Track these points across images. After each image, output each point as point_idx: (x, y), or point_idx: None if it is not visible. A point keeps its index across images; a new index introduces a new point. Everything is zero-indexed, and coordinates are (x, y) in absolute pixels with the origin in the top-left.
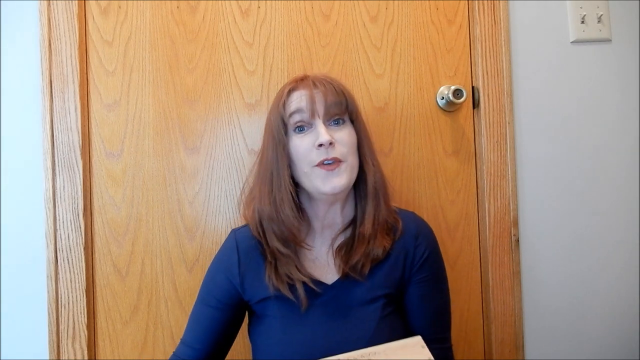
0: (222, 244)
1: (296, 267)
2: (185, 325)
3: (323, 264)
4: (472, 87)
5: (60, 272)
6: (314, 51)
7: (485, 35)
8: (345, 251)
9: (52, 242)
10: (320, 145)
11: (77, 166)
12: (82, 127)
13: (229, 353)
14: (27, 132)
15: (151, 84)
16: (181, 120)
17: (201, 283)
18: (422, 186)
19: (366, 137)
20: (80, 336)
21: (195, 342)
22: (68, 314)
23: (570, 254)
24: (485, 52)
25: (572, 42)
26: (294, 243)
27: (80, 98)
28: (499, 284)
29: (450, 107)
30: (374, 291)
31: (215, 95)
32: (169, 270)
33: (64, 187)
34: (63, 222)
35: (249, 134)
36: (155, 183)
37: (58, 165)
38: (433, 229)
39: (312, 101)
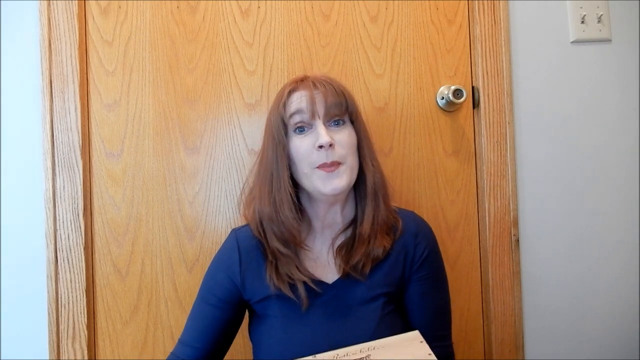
0: (222, 243)
1: (297, 267)
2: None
3: (323, 264)
4: (472, 87)
5: (60, 272)
6: (314, 51)
7: (485, 35)
8: (345, 251)
9: (52, 242)
10: (321, 146)
11: (77, 166)
12: (82, 127)
13: (229, 353)
14: (27, 132)
15: (151, 84)
16: (181, 120)
17: (201, 282)
18: (422, 186)
19: (366, 138)
20: (80, 336)
21: (195, 341)
22: (68, 314)
23: (570, 254)
24: (485, 52)
25: (572, 42)
26: (294, 244)
27: (80, 98)
28: (499, 284)
29: (450, 107)
30: (375, 290)
31: (215, 95)
32: (169, 270)
33: (64, 187)
34: (63, 222)
35: (249, 134)
36: (155, 183)
37: (58, 165)
38: (433, 229)
39: (312, 102)
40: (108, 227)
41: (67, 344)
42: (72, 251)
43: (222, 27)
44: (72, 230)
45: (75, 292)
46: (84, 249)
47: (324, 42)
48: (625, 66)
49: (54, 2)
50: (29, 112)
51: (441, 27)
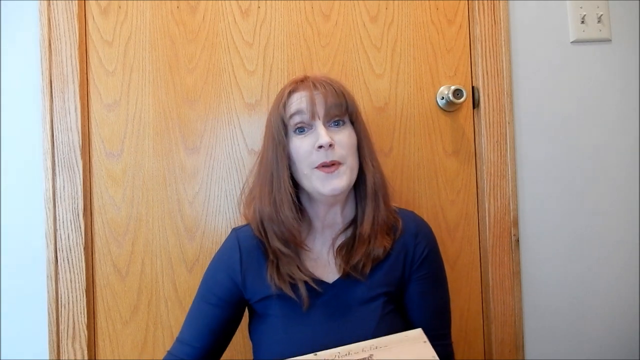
0: (222, 243)
1: (298, 266)
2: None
3: (324, 264)
4: (472, 87)
5: (60, 272)
6: (314, 51)
7: (485, 35)
8: (346, 251)
9: (52, 242)
10: (320, 146)
11: (77, 166)
12: (82, 127)
13: (229, 353)
14: (27, 132)
15: (151, 84)
16: (181, 120)
17: (200, 281)
18: (422, 186)
19: (366, 138)
20: (80, 336)
21: (193, 340)
22: (68, 314)
23: (570, 254)
24: (485, 52)
25: (572, 42)
26: (294, 244)
27: (80, 98)
28: (499, 284)
29: (450, 107)
30: (375, 290)
31: (215, 95)
32: (169, 270)
33: (64, 187)
34: (63, 222)
35: (249, 134)
36: (155, 183)
37: (58, 165)
38: (433, 229)
39: (312, 103)
40: (108, 227)
41: (67, 344)
42: (72, 251)
43: (222, 27)
44: (72, 230)
45: (75, 292)
46: (84, 249)
47: (324, 42)
48: (625, 66)
49: (54, 2)
50: (29, 112)
51: (441, 27)
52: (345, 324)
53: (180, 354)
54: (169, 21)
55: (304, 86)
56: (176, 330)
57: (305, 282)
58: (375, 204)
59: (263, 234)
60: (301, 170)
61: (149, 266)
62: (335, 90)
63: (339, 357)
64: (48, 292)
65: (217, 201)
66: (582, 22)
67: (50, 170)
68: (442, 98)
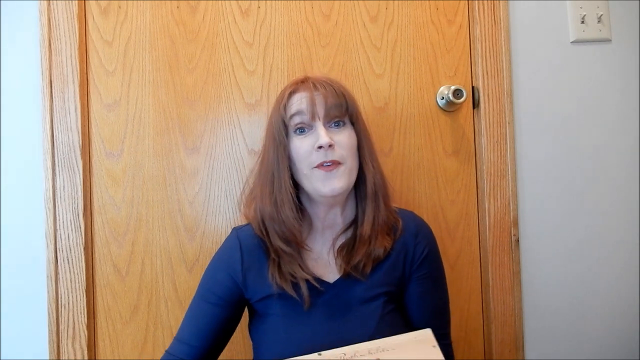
0: (222, 242)
1: (299, 265)
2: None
3: (324, 264)
4: (472, 87)
5: (60, 272)
6: (314, 51)
7: (485, 35)
8: (346, 251)
9: (52, 242)
10: (320, 147)
11: (77, 166)
12: (82, 127)
13: (229, 353)
14: (27, 132)
15: (151, 84)
16: (181, 120)
17: (200, 280)
18: (422, 186)
19: (366, 139)
20: (80, 336)
21: (193, 340)
22: (68, 314)
23: (570, 254)
24: (485, 52)
25: (572, 42)
26: (295, 243)
27: (80, 98)
28: (499, 284)
29: (450, 107)
30: (375, 289)
31: (215, 95)
32: (169, 270)
33: (64, 187)
34: (63, 222)
35: (249, 134)
36: (155, 183)
37: (58, 165)
38: (433, 229)
39: (312, 103)
40: (108, 227)
41: (67, 344)
42: (72, 251)
43: (222, 27)
44: (72, 230)
45: (75, 292)
46: (84, 249)
47: (324, 42)
48: (625, 66)
49: (54, 2)
50: (29, 112)
51: (441, 27)
52: (346, 323)
53: (178, 353)
54: (169, 21)
55: (304, 87)
56: (176, 330)
57: (307, 281)
58: (376, 204)
59: (265, 233)
60: (301, 170)
61: (149, 266)
62: (336, 91)
63: (344, 358)
64: (48, 292)
65: (217, 201)
66: (582, 22)
67: (50, 170)
68: (442, 98)
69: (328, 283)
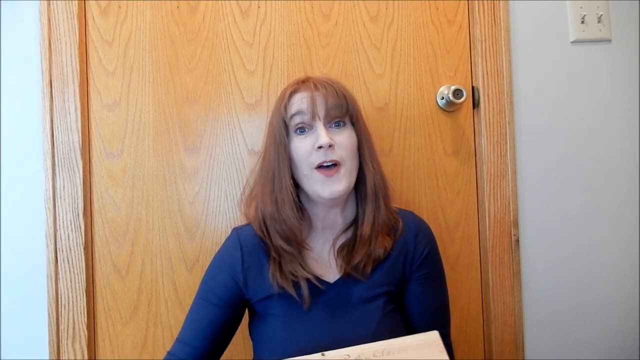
0: (223, 242)
1: (300, 264)
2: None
3: (325, 264)
4: (472, 87)
5: (60, 272)
6: (314, 51)
7: (485, 35)
8: (347, 252)
9: (52, 242)
10: (320, 147)
11: (77, 166)
12: (82, 127)
13: (229, 353)
14: (27, 132)
15: (151, 84)
16: (181, 120)
17: (201, 281)
18: (422, 186)
19: (367, 139)
20: (80, 336)
21: (194, 340)
22: (68, 314)
23: (570, 254)
24: (485, 52)
25: (572, 42)
26: (296, 242)
27: (80, 98)
28: (499, 284)
29: (450, 107)
30: (376, 289)
31: (215, 95)
32: (169, 270)
33: (64, 187)
34: (63, 222)
35: (249, 134)
36: (155, 183)
37: (58, 165)
38: (433, 229)
39: (313, 103)
40: (108, 227)
41: (67, 344)
42: (72, 251)
43: (222, 27)
44: (72, 230)
45: (75, 292)
46: (84, 249)
47: (324, 42)
48: (625, 66)
49: (54, 2)
50: (29, 112)
51: (441, 27)
52: (346, 323)
53: (180, 354)
54: (169, 21)
55: (305, 87)
56: (176, 330)
57: (308, 281)
58: (376, 205)
59: (265, 233)
60: (301, 170)
61: (149, 266)
62: (336, 91)
63: (348, 359)
64: (48, 292)
65: (217, 201)
66: (582, 22)
67: (50, 170)
68: (442, 98)
69: (328, 283)
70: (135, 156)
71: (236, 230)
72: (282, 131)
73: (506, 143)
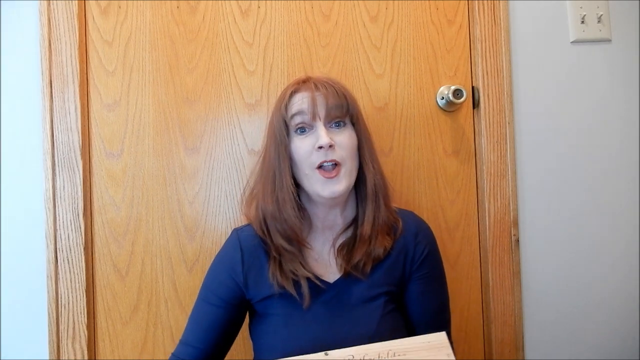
0: (223, 243)
1: (300, 263)
2: (185, 326)
3: (325, 263)
4: (472, 87)
5: (60, 272)
6: (314, 51)
7: (485, 35)
8: (347, 251)
9: (52, 242)
10: (320, 147)
11: (77, 166)
12: (82, 127)
13: (229, 353)
14: (27, 132)
15: (151, 84)
16: (181, 120)
17: (202, 283)
18: (422, 186)
19: (367, 140)
20: (80, 336)
21: (196, 342)
22: (68, 314)
23: (570, 254)
24: (485, 52)
25: (572, 42)
26: (297, 241)
27: (80, 98)
28: (499, 284)
29: (450, 107)
30: (376, 289)
31: (215, 95)
32: (169, 270)
33: (64, 187)
34: (63, 222)
35: (249, 134)
36: (155, 183)
37: (58, 165)
38: (433, 229)
39: (313, 104)
40: (108, 227)
41: (67, 344)
42: (72, 251)
43: (222, 27)
44: (72, 230)
45: (75, 292)
46: (84, 249)
47: (324, 42)
48: (625, 66)
49: (54, 2)
50: (29, 112)
51: (441, 27)
52: (347, 323)
53: (183, 355)
54: (169, 21)
55: (305, 87)
56: (176, 331)
57: (308, 280)
58: (376, 205)
59: (266, 232)
60: (302, 170)
61: (149, 266)
62: (337, 92)
63: (352, 359)
64: (48, 292)
65: (217, 201)
66: (582, 22)
67: (50, 170)
68: (442, 98)
69: (328, 283)
70: (135, 156)
71: (236, 231)
72: (282, 131)
73: (506, 143)
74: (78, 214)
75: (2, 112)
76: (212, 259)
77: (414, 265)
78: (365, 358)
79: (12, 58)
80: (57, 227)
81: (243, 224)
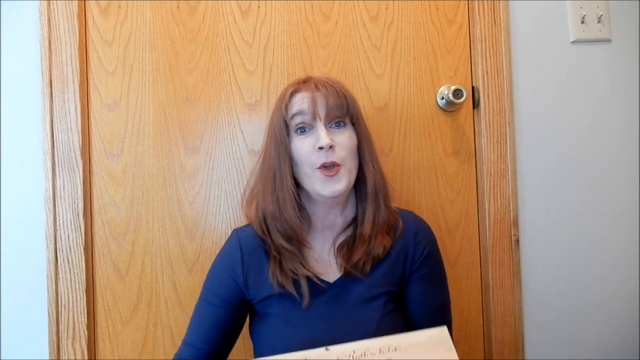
0: (223, 243)
1: (300, 262)
2: (185, 325)
3: (325, 263)
4: (472, 87)
5: (60, 272)
6: (314, 51)
7: (485, 35)
8: (346, 250)
9: (52, 242)
10: (321, 148)
11: (77, 166)
12: (82, 127)
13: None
14: (27, 132)
15: (151, 84)
16: (181, 120)
17: (203, 283)
18: (422, 186)
19: (367, 140)
20: (80, 336)
21: (198, 342)
22: (68, 314)
23: (570, 254)
24: (485, 52)
25: (572, 42)
26: (297, 241)
27: (80, 98)
28: (499, 284)
29: (450, 107)
30: (376, 289)
31: (215, 95)
32: (169, 270)
33: (64, 187)
34: (63, 222)
35: (249, 134)
36: (155, 183)
37: (58, 165)
38: (433, 229)
39: (314, 104)
40: (108, 227)
41: (67, 344)
42: (72, 251)
43: (222, 27)
44: (72, 230)
45: (75, 292)
46: (84, 249)
47: (324, 42)
48: (625, 66)
49: (54, 2)
50: (29, 112)
51: (441, 27)
52: (346, 322)
53: (186, 355)
54: (169, 21)
55: (306, 87)
56: (176, 330)
57: (308, 279)
58: (376, 205)
59: (266, 232)
60: (302, 169)
61: (149, 266)
62: (337, 92)
63: (354, 355)
64: (48, 292)
65: (217, 201)
66: (582, 22)
67: (50, 170)
68: (442, 98)
69: (328, 282)
70: (135, 156)
71: (236, 232)
72: (282, 131)
73: (506, 143)
74: (78, 214)
75: (2, 112)
76: (212, 259)
77: (414, 265)
78: (366, 353)
79: (12, 58)
80: (57, 227)
81: (243, 224)
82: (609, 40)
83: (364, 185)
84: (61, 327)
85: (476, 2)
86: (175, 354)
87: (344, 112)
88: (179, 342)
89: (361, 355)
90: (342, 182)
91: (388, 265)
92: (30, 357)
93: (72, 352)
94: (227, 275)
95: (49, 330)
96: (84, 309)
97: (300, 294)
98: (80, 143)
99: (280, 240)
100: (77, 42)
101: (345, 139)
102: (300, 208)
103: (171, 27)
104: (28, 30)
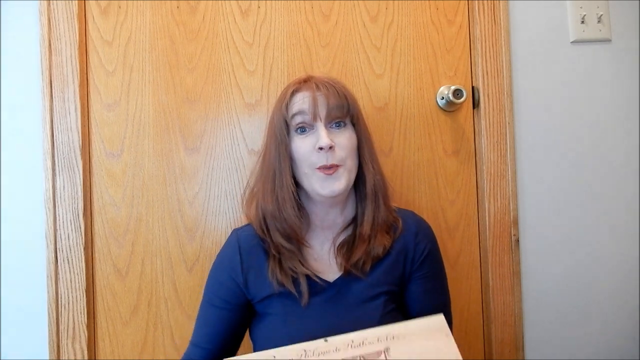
0: (223, 244)
1: (300, 261)
2: (185, 325)
3: (325, 262)
4: (472, 87)
5: (60, 272)
6: (314, 51)
7: (485, 35)
8: (346, 249)
9: (52, 242)
10: (321, 148)
11: (77, 166)
12: (82, 127)
13: None
14: (27, 132)
15: (151, 84)
16: (181, 120)
17: (205, 284)
18: (422, 186)
19: (367, 140)
20: (80, 336)
21: (205, 343)
22: (68, 314)
23: (570, 254)
24: (485, 52)
25: (572, 42)
26: (296, 240)
27: (80, 98)
28: (499, 284)
29: (450, 107)
30: (376, 288)
31: (215, 95)
32: (169, 270)
33: (64, 187)
34: (63, 222)
35: (249, 134)
36: (155, 183)
37: (58, 165)
38: (433, 229)
39: (314, 104)
40: (108, 227)
41: (67, 344)
42: (72, 251)
43: (222, 27)
44: (72, 230)
45: (75, 292)
46: (84, 249)
47: (324, 42)
48: (625, 66)
49: (54, 2)
50: (29, 112)
51: (441, 27)
52: (346, 322)
53: (193, 355)
54: (169, 21)
55: (306, 87)
56: (176, 330)
57: (307, 277)
58: (376, 204)
59: (265, 231)
60: (302, 169)
61: (149, 266)
62: (338, 92)
63: (352, 345)
64: (48, 292)
65: (217, 201)
66: (582, 22)
67: (50, 170)
68: (442, 98)
69: (328, 282)
70: (135, 156)
71: (235, 232)
72: (283, 130)
73: (506, 143)
74: (78, 214)
75: (2, 112)
76: (212, 259)
77: (415, 265)
78: (364, 343)
79: (12, 58)
80: (57, 227)
81: (243, 223)
82: (609, 40)
83: (364, 185)
84: (61, 327)
85: (476, 2)
86: (184, 354)
87: (345, 113)
88: (179, 342)
89: (359, 343)
90: (341, 181)
91: (388, 264)
92: (30, 357)
93: (72, 352)
94: (227, 275)
95: (49, 330)
96: (84, 309)
97: (299, 292)
98: (80, 143)
99: (280, 240)
100: (77, 42)
101: (345, 139)
102: (300, 207)
103: (171, 27)
104: (28, 30)
